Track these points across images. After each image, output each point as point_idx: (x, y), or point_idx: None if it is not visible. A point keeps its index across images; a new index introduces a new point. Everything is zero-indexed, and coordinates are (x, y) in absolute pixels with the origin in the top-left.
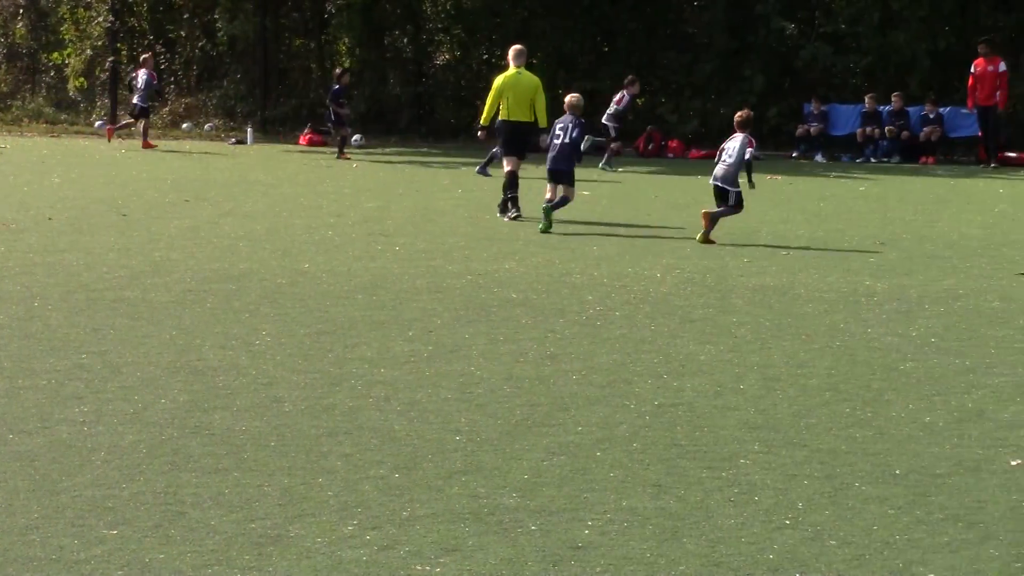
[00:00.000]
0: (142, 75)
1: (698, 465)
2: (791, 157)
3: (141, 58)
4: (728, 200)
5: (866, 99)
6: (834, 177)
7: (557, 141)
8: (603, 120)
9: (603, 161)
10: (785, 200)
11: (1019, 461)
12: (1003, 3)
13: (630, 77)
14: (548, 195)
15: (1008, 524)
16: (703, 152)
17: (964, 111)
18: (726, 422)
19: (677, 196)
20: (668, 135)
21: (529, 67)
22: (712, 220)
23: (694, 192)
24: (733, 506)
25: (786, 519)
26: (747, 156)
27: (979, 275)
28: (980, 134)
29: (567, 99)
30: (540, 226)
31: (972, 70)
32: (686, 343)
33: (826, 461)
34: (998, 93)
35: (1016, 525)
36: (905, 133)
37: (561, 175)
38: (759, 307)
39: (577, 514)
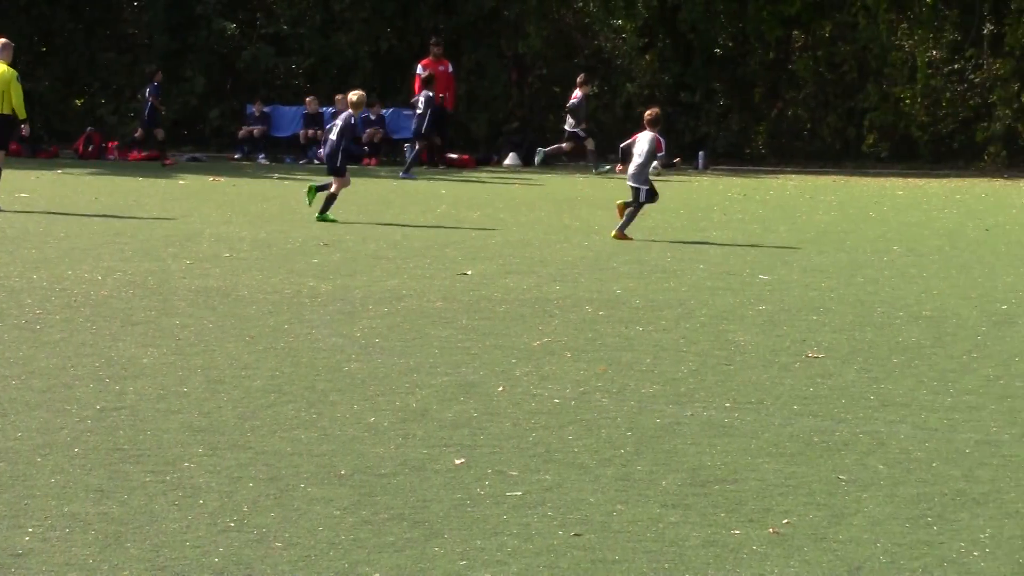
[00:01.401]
0: None
1: (141, 469)
2: (233, 159)
3: None
4: (640, 197)
5: (308, 101)
6: (277, 179)
7: (331, 136)
8: (567, 128)
9: (594, 167)
10: (228, 202)
11: (463, 460)
12: (444, 5)
13: (582, 76)
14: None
15: (452, 522)
16: (144, 154)
17: (407, 112)
18: (169, 425)
19: (118, 198)
20: (108, 136)
21: None
22: (628, 217)
23: (136, 194)
24: (177, 509)
25: (231, 521)
26: (655, 163)
27: (422, 275)
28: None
29: (348, 97)
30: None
31: (420, 72)
32: (128, 346)
33: (271, 463)
34: (445, 94)
35: (460, 523)
36: None
37: (331, 170)
38: (202, 309)
39: (17, 521)
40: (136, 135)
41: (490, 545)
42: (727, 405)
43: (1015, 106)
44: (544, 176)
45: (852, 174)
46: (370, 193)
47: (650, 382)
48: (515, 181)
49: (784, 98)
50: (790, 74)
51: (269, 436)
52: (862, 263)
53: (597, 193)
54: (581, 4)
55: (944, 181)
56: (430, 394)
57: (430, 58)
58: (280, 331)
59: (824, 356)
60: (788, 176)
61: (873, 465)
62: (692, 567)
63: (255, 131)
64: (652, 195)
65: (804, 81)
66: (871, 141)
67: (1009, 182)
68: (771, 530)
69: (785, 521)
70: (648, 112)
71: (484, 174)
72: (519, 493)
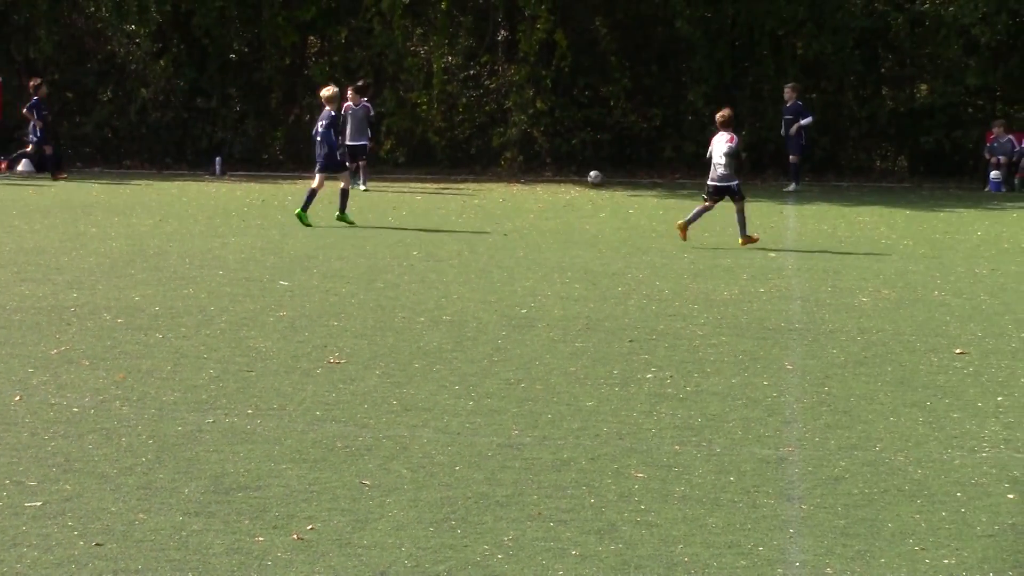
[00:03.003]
0: None
1: None
2: None
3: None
4: (733, 192)
5: None
6: None
7: (320, 138)
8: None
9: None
10: None
11: None
12: None
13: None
14: (314, 184)
15: None
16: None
17: None
18: None
19: None
20: None
21: None
22: (740, 221)
23: None
24: None
25: None
26: (726, 149)
27: None
28: None
29: (322, 92)
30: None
31: None
32: None
33: None
34: None
35: None
36: None
37: (331, 168)
38: None
39: None
40: (28, 149)
41: (9, 557)
42: (249, 412)
43: (530, 111)
44: (57, 182)
45: (370, 179)
46: None
47: (171, 389)
48: (28, 187)
49: (301, 104)
50: (306, 79)
51: None
52: (382, 268)
53: (113, 199)
54: (93, 9)
55: (462, 186)
56: None
57: None
58: None
59: (346, 361)
60: (307, 182)
61: (396, 470)
62: (216, 575)
63: None
64: (741, 193)
65: (321, 87)
66: (388, 146)
67: (526, 187)
68: (295, 536)
69: (309, 527)
70: (719, 114)
71: None
72: (38, 503)
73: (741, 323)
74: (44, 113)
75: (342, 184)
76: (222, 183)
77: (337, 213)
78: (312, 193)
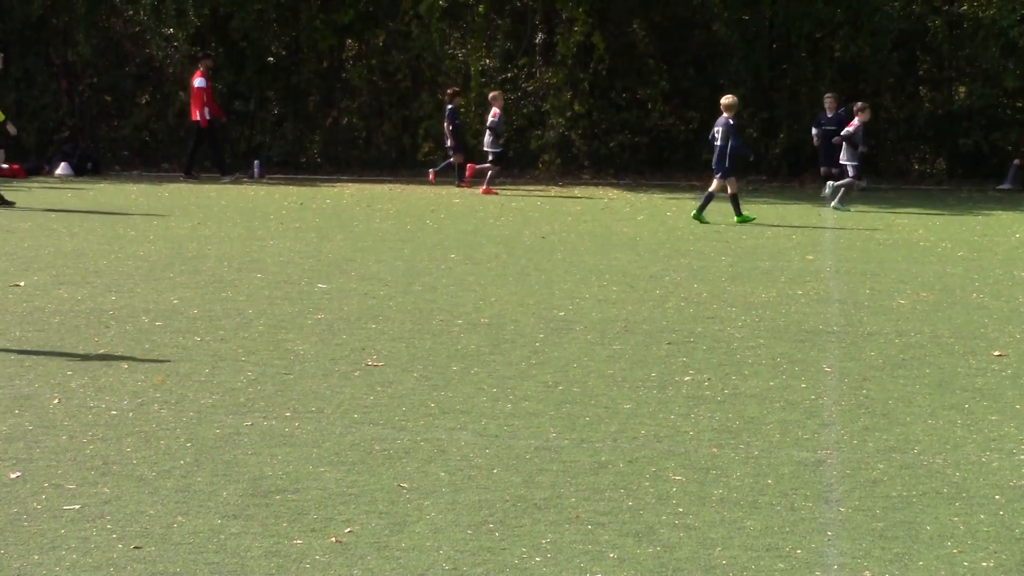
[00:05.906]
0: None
1: None
2: None
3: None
4: None
5: None
6: None
7: (717, 141)
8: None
9: None
10: None
11: (18, 474)
12: None
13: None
14: (712, 188)
15: (8, 537)
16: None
17: None
18: None
19: None
20: None
21: None
22: None
23: None
24: None
25: None
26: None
27: None
28: None
29: (723, 101)
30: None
31: None
32: None
33: None
34: None
35: (16, 538)
36: None
37: (720, 173)
38: None
39: None
40: (452, 159)
41: (48, 560)
42: (287, 414)
43: (568, 114)
44: (97, 185)
45: (409, 182)
46: None
47: (209, 392)
48: (67, 191)
49: (339, 107)
50: (344, 83)
51: None
52: (420, 271)
53: (151, 202)
54: (131, 12)
55: (500, 189)
56: None
57: None
58: None
59: (383, 364)
60: (344, 185)
61: (434, 472)
62: None
63: None
64: None
65: (358, 90)
66: (427, 150)
67: (563, 190)
68: (333, 539)
69: (347, 530)
70: None
71: (35, 184)
72: (77, 507)
73: (779, 326)
74: (457, 122)
75: (727, 187)
76: (260, 186)
77: (736, 217)
78: (731, 198)
